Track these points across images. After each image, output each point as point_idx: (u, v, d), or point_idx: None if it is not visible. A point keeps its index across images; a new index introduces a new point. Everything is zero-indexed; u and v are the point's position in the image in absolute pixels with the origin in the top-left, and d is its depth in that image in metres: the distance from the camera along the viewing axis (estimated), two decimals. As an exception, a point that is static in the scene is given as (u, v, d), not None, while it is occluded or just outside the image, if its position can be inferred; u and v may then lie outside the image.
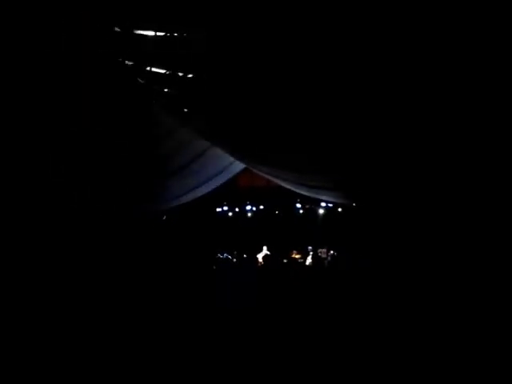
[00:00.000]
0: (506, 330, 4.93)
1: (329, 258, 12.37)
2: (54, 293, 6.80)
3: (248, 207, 14.68)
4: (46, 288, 6.85)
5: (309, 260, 12.00)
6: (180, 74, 5.76)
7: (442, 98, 4.26)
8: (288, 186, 10.72)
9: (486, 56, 3.35)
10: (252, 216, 14.80)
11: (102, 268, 8.65)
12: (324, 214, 14.22)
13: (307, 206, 14.40)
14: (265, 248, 12.54)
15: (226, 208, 14.73)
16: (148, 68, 5.79)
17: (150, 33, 4.86)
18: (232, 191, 13.44)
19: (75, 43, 5.10)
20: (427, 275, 7.39)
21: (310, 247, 12.48)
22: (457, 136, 4.64)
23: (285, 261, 11.97)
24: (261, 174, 10.80)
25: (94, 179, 7.74)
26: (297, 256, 12.40)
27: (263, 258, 12.03)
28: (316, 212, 14.37)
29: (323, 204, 13.85)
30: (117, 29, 4.91)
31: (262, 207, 14.79)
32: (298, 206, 14.46)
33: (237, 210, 14.81)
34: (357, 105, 4.71)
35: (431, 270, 7.49)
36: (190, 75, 5.66)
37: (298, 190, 10.96)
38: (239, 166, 10.96)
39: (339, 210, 13.81)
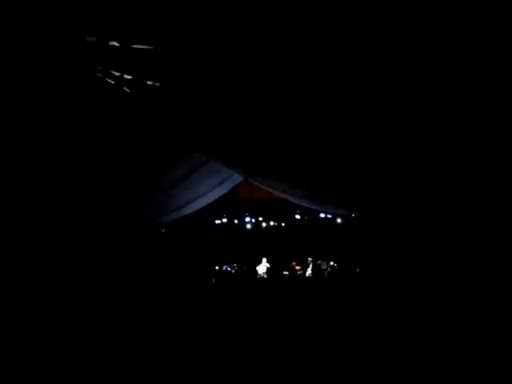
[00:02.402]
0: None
1: (329, 269, 12.34)
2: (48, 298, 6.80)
3: (247, 219, 14.64)
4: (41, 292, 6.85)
5: (309, 271, 11.97)
6: (176, 87, 5.77)
7: (439, 109, 4.26)
8: (287, 198, 10.71)
9: (486, 57, 3.35)
10: (251, 228, 14.76)
11: (100, 278, 8.62)
12: (324, 225, 14.20)
13: (307, 218, 14.37)
14: (264, 260, 12.49)
15: (225, 220, 14.69)
16: (145, 81, 5.80)
17: (149, 47, 4.87)
18: (231, 203, 13.42)
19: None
20: (427, 287, 7.37)
21: (310, 259, 12.44)
22: (454, 149, 4.64)
23: (285, 273, 11.94)
24: (260, 185, 10.80)
25: (93, 190, 7.73)
26: (297, 268, 12.36)
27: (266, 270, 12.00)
28: (316, 223, 14.34)
29: (322, 215, 13.83)
30: (114, 43, 4.91)
31: (261, 219, 14.75)
32: (298, 217, 14.44)
33: (236, 221, 14.77)
34: (355, 115, 4.71)
35: (431, 281, 7.47)
36: (187, 88, 5.66)
37: (297, 202, 10.95)
38: (238, 177, 10.95)
39: (338, 221, 13.80)
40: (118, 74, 5.65)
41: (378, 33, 3.61)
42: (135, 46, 4.80)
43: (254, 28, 3.94)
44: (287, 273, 12.09)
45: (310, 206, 11.35)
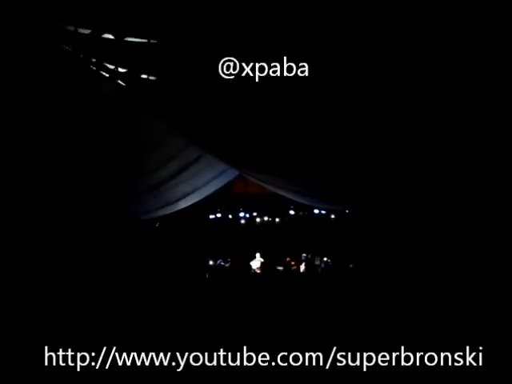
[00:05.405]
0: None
1: (322, 265, 12.37)
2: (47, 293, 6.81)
3: (241, 214, 14.64)
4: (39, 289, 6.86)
5: (302, 267, 11.98)
6: (173, 81, 5.74)
7: (435, 105, 4.26)
8: (282, 193, 10.71)
9: (486, 61, 3.35)
10: (246, 223, 14.77)
11: (93, 274, 8.60)
12: (318, 221, 14.22)
13: (301, 213, 14.38)
14: (258, 255, 12.49)
15: (219, 215, 14.68)
16: (140, 75, 5.77)
17: (143, 40, 4.84)
18: (226, 198, 13.40)
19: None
20: (421, 282, 7.40)
21: (303, 254, 12.46)
22: (450, 147, 4.65)
23: (279, 268, 11.95)
24: (255, 181, 10.79)
25: (88, 189, 7.72)
26: (292, 263, 12.37)
27: (259, 265, 12.00)
28: (310, 219, 14.36)
29: (316, 211, 13.85)
30: (109, 36, 4.88)
31: (255, 214, 14.75)
32: (292, 212, 14.44)
33: (230, 216, 14.77)
34: (352, 111, 4.71)
35: (425, 277, 7.50)
36: (183, 82, 5.64)
37: (291, 197, 10.94)
38: (233, 172, 10.93)
39: (332, 216, 13.83)
40: (112, 67, 5.62)
41: (372, 41, 3.61)
42: (129, 39, 4.77)
43: (252, 23, 3.92)
44: (281, 268, 12.08)
45: (305, 202, 11.36)
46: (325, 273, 11.83)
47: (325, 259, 12.51)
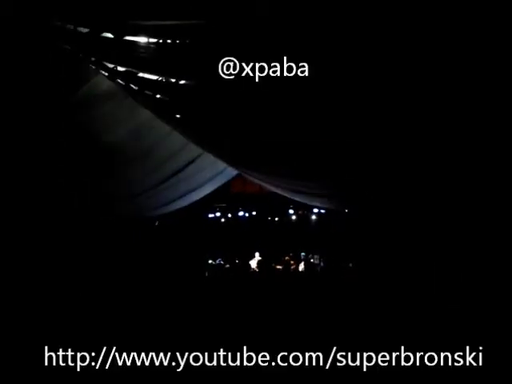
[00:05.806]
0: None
1: (321, 264, 12.38)
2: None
3: (241, 213, 14.63)
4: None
5: (301, 266, 11.99)
6: (172, 80, 5.73)
7: (435, 105, 4.26)
8: (281, 192, 10.71)
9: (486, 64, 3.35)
10: (244, 222, 14.77)
11: (93, 273, 8.60)
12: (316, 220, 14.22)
13: (300, 212, 14.38)
14: (257, 254, 12.50)
15: (218, 214, 14.68)
16: (140, 74, 5.76)
17: (143, 39, 4.83)
18: (225, 197, 13.41)
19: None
20: (421, 282, 7.41)
21: (303, 253, 12.46)
22: (451, 146, 4.65)
23: (278, 267, 11.96)
24: (254, 180, 10.78)
25: (88, 189, 7.73)
26: (291, 262, 12.38)
27: (257, 264, 12.01)
28: (309, 218, 14.36)
29: (316, 210, 13.85)
30: (108, 35, 4.87)
31: (254, 213, 14.75)
32: (291, 211, 14.44)
33: (229, 215, 14.77)
34: (352, 111, 4.70)
35: (424, 276, 7.51)
36: (183, 81, 5.63)
37: (290, 196, 10.94)
38: (232, 171, 10.93)
39: (332, 216, 13.82)
40: (111, 65, 5.60)
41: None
42: (129, 38, 4.76)
43: (252, 23, 3.91)
44: (280, 267, 12.09)
45: (304, 201, 11.36)
46: (324, 272, 11.83)
47: (324, 258, 12.53)
